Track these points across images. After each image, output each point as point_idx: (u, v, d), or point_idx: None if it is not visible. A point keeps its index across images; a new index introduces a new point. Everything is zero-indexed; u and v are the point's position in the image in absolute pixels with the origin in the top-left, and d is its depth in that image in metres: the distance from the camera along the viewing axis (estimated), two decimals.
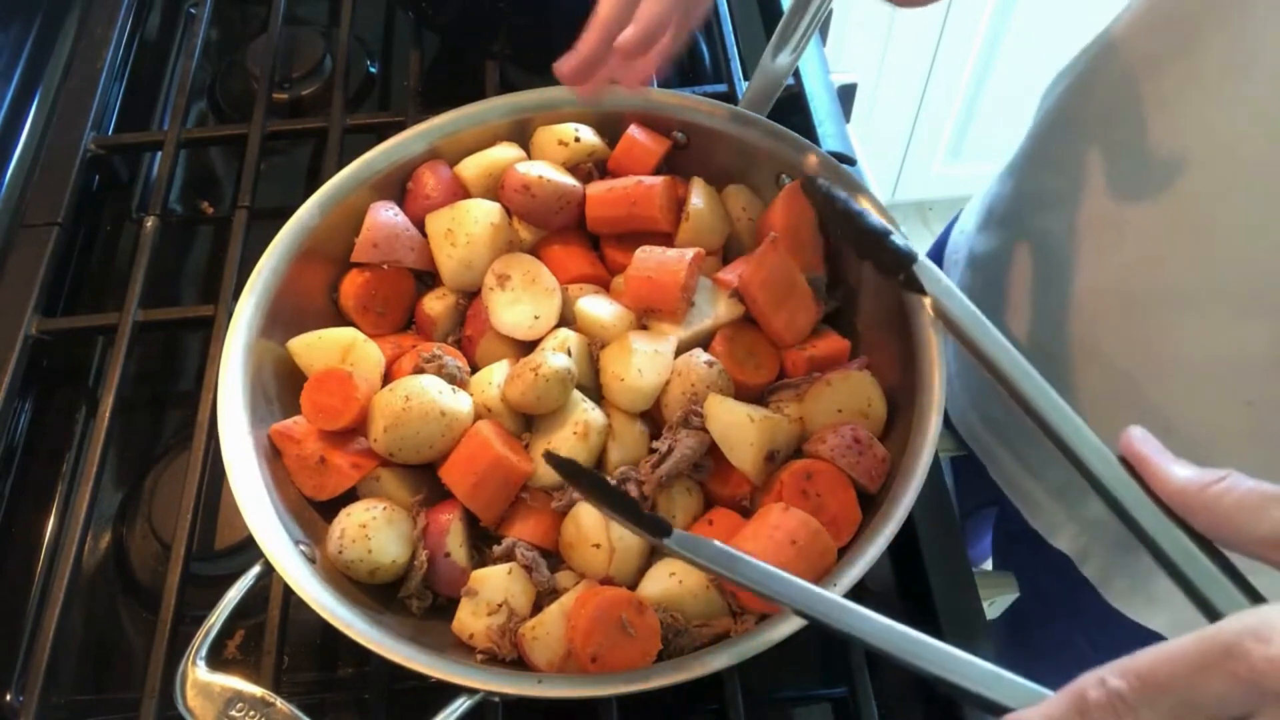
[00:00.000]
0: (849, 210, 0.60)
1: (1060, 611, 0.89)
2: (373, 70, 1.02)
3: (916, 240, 0.65)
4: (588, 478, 0.50)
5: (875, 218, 0.60)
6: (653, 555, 0.63)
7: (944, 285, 0.57)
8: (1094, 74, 0.68)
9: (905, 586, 0.71)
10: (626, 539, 0.61)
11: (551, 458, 0.51)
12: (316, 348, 0.67)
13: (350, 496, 0.64)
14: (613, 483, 0.55)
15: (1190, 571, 0.42)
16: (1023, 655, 1.05)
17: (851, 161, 0.85)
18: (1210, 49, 0.56)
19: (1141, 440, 0.44)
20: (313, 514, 0.63)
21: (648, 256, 0.68)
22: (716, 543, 0.48)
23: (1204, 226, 0.59)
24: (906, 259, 0.57)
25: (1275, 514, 0.37)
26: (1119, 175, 0.65)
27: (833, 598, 0.46)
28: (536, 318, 0.68)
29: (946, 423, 0.89)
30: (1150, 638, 0.41)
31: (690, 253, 0.67)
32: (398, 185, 0.74)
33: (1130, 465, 0.45)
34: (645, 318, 0.69)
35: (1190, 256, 0.61)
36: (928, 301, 0.57)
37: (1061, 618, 0.90)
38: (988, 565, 1.30)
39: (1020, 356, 0.53)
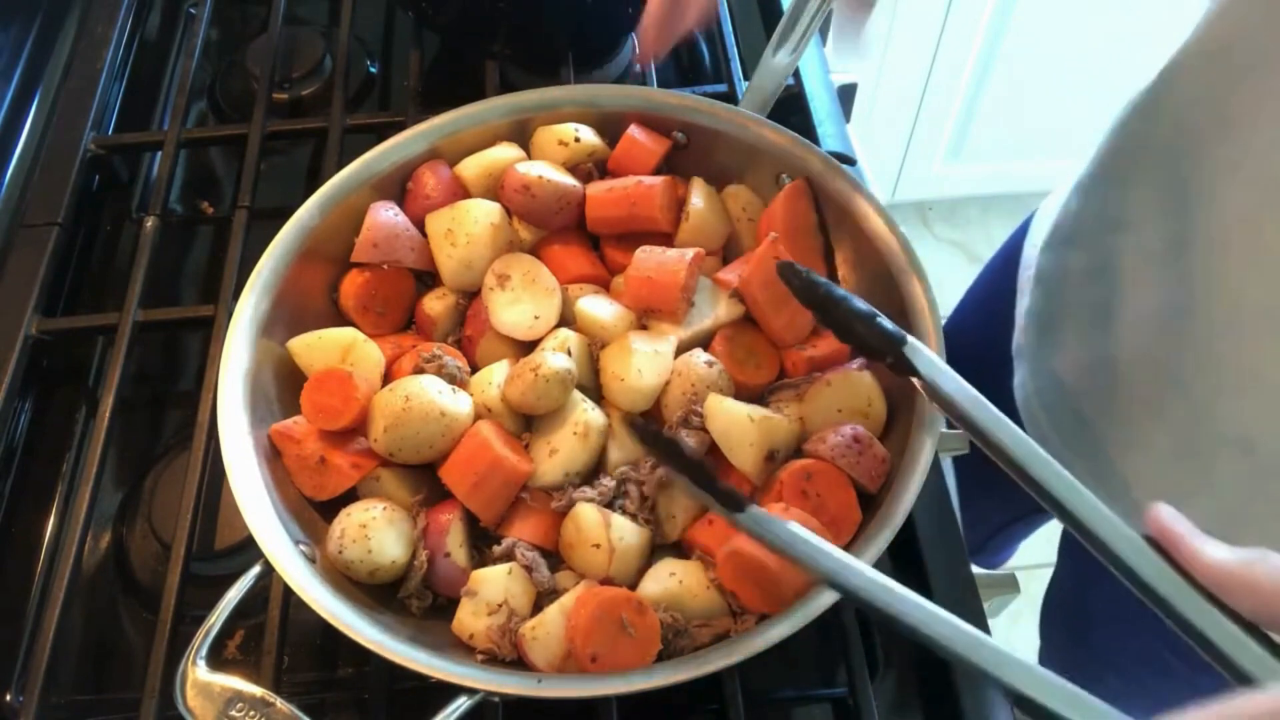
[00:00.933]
0: (831, 296, 0.57)
1: (1142, 625, 0.89)
2: (373, 70, 1.02)
3: (916, 240, 0.65)
4: (665, 444, 0.50)
5: (859, 301, 0.56)
6: (653, 555, 0.63)
7: (937, 366, 0.54)
8: (1162, 96, 0.68)
9: (905, 586, 0.70)
10: (626, 539, 0.61)
11: (633, 423, 0.52)
12: (316, 348, 0.67)
13: (350, 496, 0.64)
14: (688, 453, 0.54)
15: (1237, 655, 0.40)
16: (1093, 665, 1.04)
17: (851, 161, 0.85)
18: (1278, 69, 0.56)
19: (1172, 519, 0.42)
20: (313, 514, 0.63)
21: (648, 256, 0.68)
22: (791, 524, 0.48)
23: (1270, 246, 0.58)
24: (895, 342, 0.54)
25: None
26: (1188, 195, 0.64)
27: (905, 593, 0.46)
28: (536, 318, 0.68)
29: (948, 423, 0.89)
30: None
31: (690, 253, 0.67)
32: (398, 185, 0.74)
33: (1158, 545, 0.43)
34: (645, 318, 0.69)
35: (1262, 274, 0.60)
36: (919, 384, 0.54)
37: (1144, 630, 0.89)
38: (1008, 566, 1.29)
39: (1021, 432, 0.50)
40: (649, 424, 0.51)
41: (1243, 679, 0.41)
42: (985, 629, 0.68)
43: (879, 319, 0.55)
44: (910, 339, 0.55)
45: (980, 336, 0.93)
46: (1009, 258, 0.94)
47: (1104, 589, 0.93)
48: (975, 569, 0.71)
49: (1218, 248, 0.62)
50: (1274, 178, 0.57)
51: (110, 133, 0.93)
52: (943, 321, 0.91)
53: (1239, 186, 0.60)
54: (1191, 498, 0.70)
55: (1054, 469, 0.48)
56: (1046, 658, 1.08)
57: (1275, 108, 0.56)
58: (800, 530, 0.48)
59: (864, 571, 0.47)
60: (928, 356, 0.54)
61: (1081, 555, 0.97)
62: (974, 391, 0.53)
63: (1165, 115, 0.67)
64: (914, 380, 0.54)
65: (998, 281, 0.95)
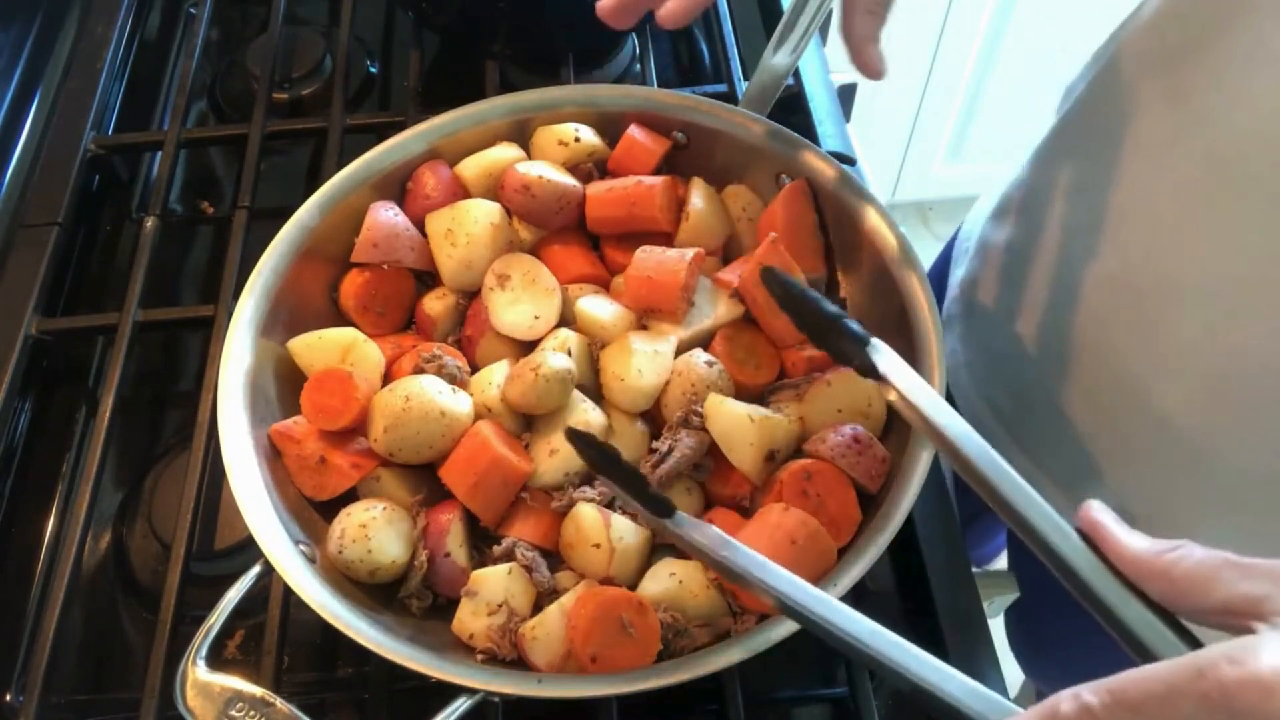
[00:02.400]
0: (803, 298, 0.56)
1: (1070, 607, 0.89)
2: (373, 70, 1.02)
3: (916, 240, 0.65)
4: (599, 449, 0.51)
5: (829, 304, 0.55)
6: (653, 555, 0.63)
7: (901, 369, 0.53)
8: (1114, 68, 0.68)
9: (905, 586, 0.71)
10: (626, 539, 0.61)
11: (570, 431, 0.51)
12: (316, 348, 0.67)
13: (350, 496, 0.64)
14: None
15: (1149, 639, 0.42)
16: (1032, 649, 1.05)
17: (851, 161, 0.85)
18: (1227, 44, 0.56)
19: (1099, 510, 0.44)
20: (313, 514, 0.63)
21: (648, 256, 0.68)
22: (715, 529, 0.49)
23: (1209, 220, 0.59)
24: (860, 342, 0.53)
25: (1226, 581, 0.38)
26: (1130, 167, 0.65)
27: (824, 597, 0.46)
28: (536, 318, 0.68)
29: None
30: None
31: (690, 253, 0.67)
32: (398, 185, 0.74)
33: (1086, 536, 0.44)
34: (645, 318, 0.69)
35: (1195, 249, 0.61)
36: (882, 388, 0.53)
37: (1072, 614, 0.90)
38: (999, 564, 1.30)
39: (979, 438, 0.49)
40: (584, 432, 0.52)
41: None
42: (985, 629, 0.68)
43: (844, 320, 0.54)
44: (874, 341, 0.53)
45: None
46: (953, 241, 0.95)
47: (1042, 581, 0.94)
48: (975, 569, 0.71)
49: (1158, 222, 0.62)
50: (1218, 152, 0.58)
51: (110, 133, 0.93)
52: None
53: (1183, 160, 0.60)
54: (1111, 474, 0.71)
55: (1009, 475, 0.48)
56: (1017, 658, 1.09)
57: (1223, 81, 0.57)
58: (722, 534, 0.49)
59: (782, 573, 0.48)
60: (892, 359, 0.53)
61: (1021, 545, 0.98)
62: (936, 395, 0.52)
63: (1114, 86, 0.68)
64: (879, 385, 0.53)
65: (941, 262, 0.97)
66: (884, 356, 0.53)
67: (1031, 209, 0.78)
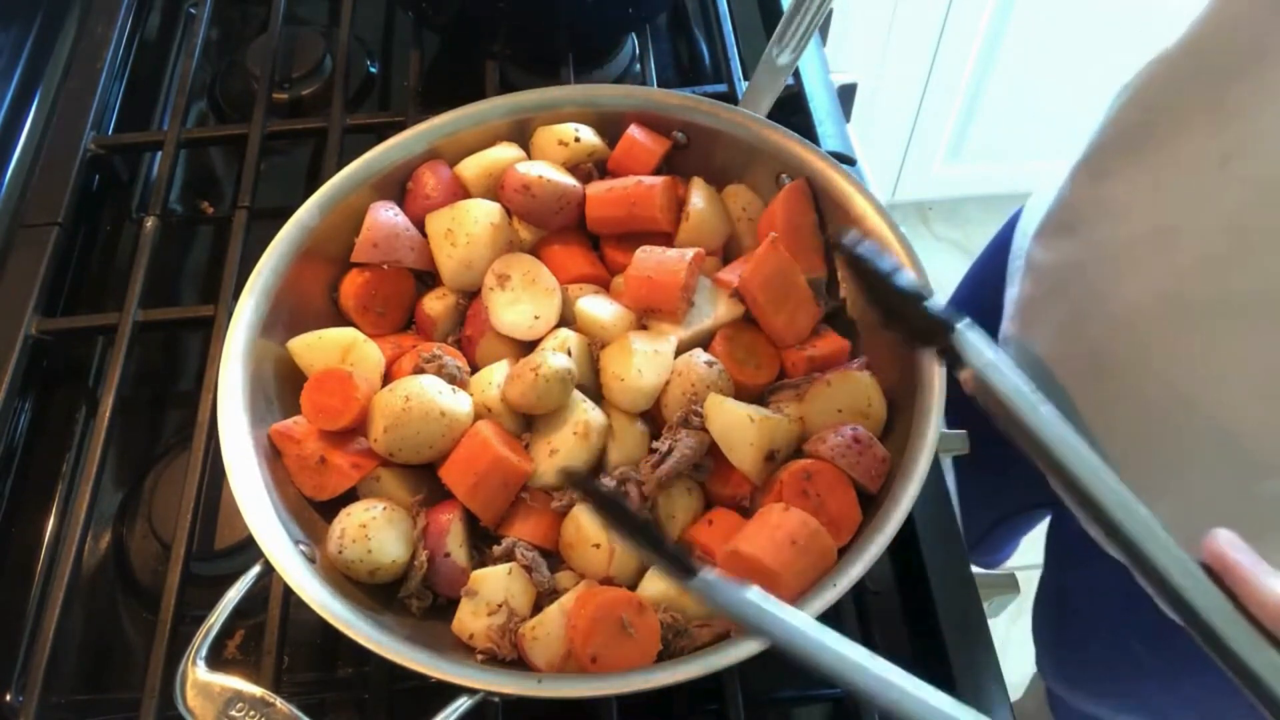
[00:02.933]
0: (876, 271, 0.49)
1: (1118, 620, 0.89)
2: (373, 70, 1.02)
3: (916, 240, 0.65)
4: (610, 503, 0.45)
5: (909, 277, 0.49)
6: None
7: (988, 359, 0.47)
8: (1156, 85, 0.67)
9: (905, 586, 0.71)
10: None
11: (569, 475, 0.48)
12: (316, 348, 0.67)
13: (350, 496, 0.64)
14: (629, 505, 0.50)
15: None
16: (1077, 664, 1.04)
17: (851, 161, 0.85)
18: (1272, 64, 0.55)
19: (1232, 546, 0.40)
20: (313, 514, 0.63)
21: (648, 256, 0.68)
22: (749, 592, 0.43)
23: (1260, 236, 0.58)
24: (945, 327, 0.47)
25: None
26: (1180, 185, 0.64)
27: (884, 670, 0.42)
28: (536, 318, 0.68)
29: (948, 422, 0.89)
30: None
31: (690, 253, 0.67)
32: (398, 185, 0.74)
33: (1213, 573, 0.40)
34: (645, 318, 0.69)
35: (1247, 265, 0.60)
36: (967, 375, 0.47)
37: (1119, 625, 0.89)
38: (1007, 566, 1.29)
39: (1075, 437, 0.45)
40: (590, 478, 0.46)
41: None
42: (985, 629, 0.68)
43: (927, 301, 0.48)
44: (962, 326, 0.48)
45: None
46: (999, 249, 0.94)
47: (1081, 588, 0.93)
48: (975, 569, 0.71)
49: (1208, 239, 0.62)
50: (1266, 173, 0.57)
51: (110, 133, 0.93)
52: None
53: (1231, 180, 0.59)
54: (1166, 490, 0.70)
55: (1120, 494, 0.44)
56: (1040, 658, 1.08)
57: (1269, 103, 0.56)
58: (757, 596, 0.43)
59: (825, 639, 0.42)
60: (979, 346, 0.47)
61: (1062, 554, 0.98)
62: (1026, 389, 0.47)
63: (1159, 104, 0.67)
64: (960, 375, 0.48)
65: (987, 272, 0.96)
66: (971, 345, 0.47)
67: (1076, 229, 0.76)
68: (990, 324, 0.90)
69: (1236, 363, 0.63)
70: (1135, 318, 0.69)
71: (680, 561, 0.43)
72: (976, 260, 1.03)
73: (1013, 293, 0.87)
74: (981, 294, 0.94)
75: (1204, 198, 0.62)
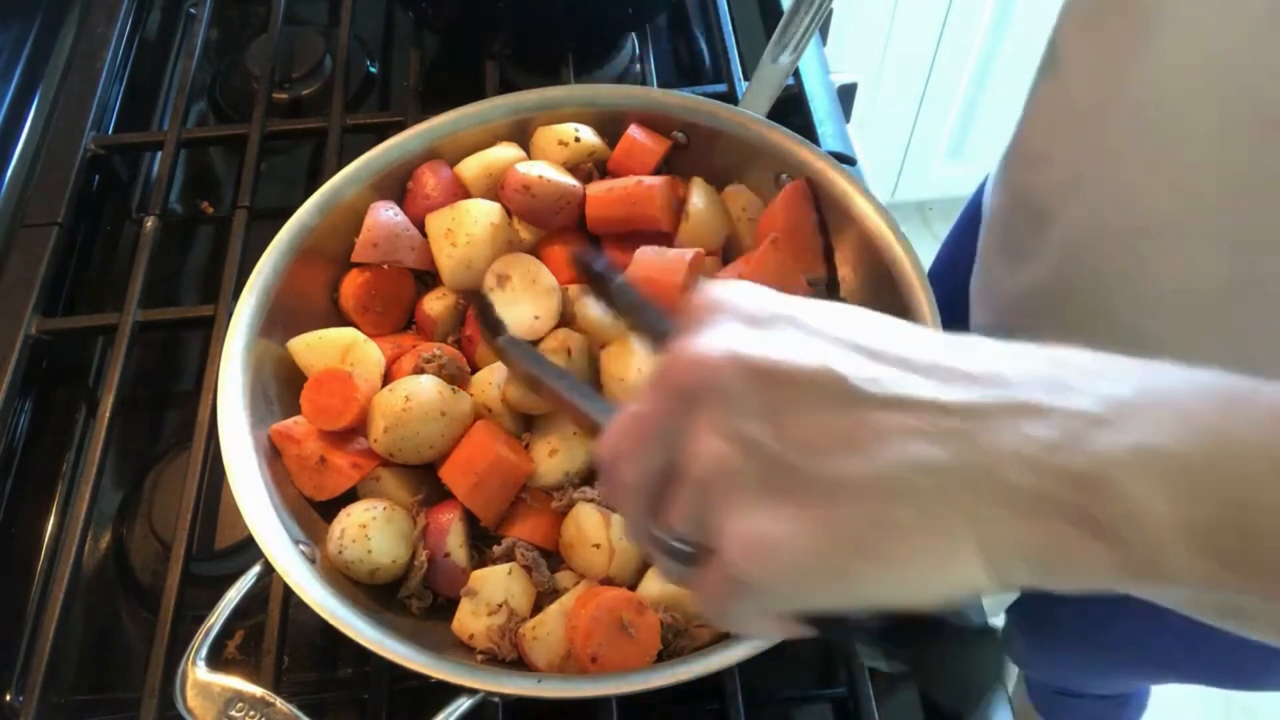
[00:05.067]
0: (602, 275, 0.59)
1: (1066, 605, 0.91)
2: (373, 70, 1.02)
3: (916, 240, 0.65)
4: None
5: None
6: None
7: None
8: (1058, 30, 0.70)
9: None
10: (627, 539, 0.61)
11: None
12: (316, 348, 0.67)
13: (350, 496, 0.64)
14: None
15: None
16: (1033, 645, 1.06)
17: (852, 161, 0.85)
18: None
19: None
20: (313, 514, 0.63)
21: (647, 256, 0.68)
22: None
23: (1163, 163, 0.61)
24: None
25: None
26: (1090, 122, 0.66)
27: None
28: (537, 317, 0.68)
29: None
30: None
31: (690, 253, 0.67)
32: (398, 185, 0.74)
33: None
34: None
35: (1155, 190, 0.62)
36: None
37: (1069, 612, 0.91)
38: None
39: None
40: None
41: None
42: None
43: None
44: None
45: (947, 288, 0.97)
46: (971, 215, 0.97)
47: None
48: None
49: (1122, 166, 0.64)
50: (1155, 98, 0.59)
51: (110, 133, 0.93)
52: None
53: (1130, 106, 0.61)
54: None
55: None
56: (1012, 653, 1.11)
57: (1159, 34, 0.57)
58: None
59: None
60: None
61: None
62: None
63: (1060, 47, 0.69)
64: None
65: (960, 235, 0.99)
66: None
67: (1012, 178, 0.80)
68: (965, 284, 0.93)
69: (1168, 286, 0.64)
70: (1068, 256, 0.71)
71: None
72: (951, 228, 1.06)
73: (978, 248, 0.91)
74: (957, 256, 0.97)
75: (1118, 124, 0.64)
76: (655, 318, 0.55)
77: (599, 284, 0.58)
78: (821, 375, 0.32)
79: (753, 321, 0.34)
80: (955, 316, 0.90)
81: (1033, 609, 1.01)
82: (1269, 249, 0.58)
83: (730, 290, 0.36)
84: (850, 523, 0.31)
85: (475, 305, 0.66)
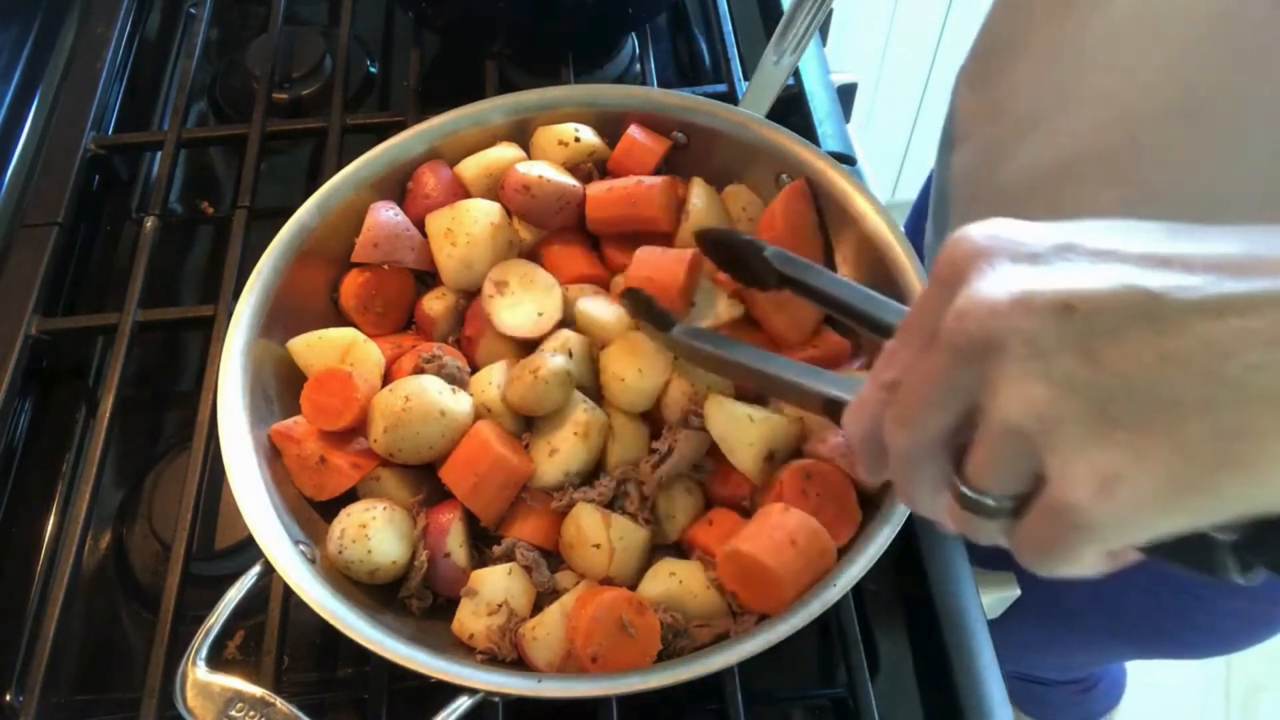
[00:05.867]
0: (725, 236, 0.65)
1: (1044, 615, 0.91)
2: (373, 70, 1.02)
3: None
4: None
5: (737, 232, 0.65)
6: (653, 555, 0.63)
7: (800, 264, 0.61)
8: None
9: (905, 586, 0.71)
10: (626, 539, 0.61)
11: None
12: (316, 348, 0.67)
13: (350, 496, 0.64)
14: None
15: None
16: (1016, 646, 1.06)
17: (851, 161, 0.85)
18: None
19: None
20: (313, 514, 0.63)
21: (647, 256, 0.68)
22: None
23: (1073, 109, 0.65)
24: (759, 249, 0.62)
25: None
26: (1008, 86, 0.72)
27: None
28: (540, 314, 0.68)
29: None
30: None
31: (690, 252, 0.67)
32: (398, 185, 0.74)
33: None
34: None
35: (1064, 132, 0.66)
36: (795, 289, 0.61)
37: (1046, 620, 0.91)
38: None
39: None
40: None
41: None
42: (986, 628, 0.68)
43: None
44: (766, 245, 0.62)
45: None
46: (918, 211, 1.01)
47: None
48: (975, 568, 0.71)
49: (1034, 116, 0.68)
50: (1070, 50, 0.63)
51: (110, 133, 0.93)
52: None
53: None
54: None
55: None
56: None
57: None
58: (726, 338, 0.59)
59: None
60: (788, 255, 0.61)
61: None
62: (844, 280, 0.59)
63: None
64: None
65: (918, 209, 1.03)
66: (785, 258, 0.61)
67: (967, 135, 0.84)
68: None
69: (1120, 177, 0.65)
70: (1021, 193, 0.72)
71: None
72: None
73: (930, 213, 0.94)
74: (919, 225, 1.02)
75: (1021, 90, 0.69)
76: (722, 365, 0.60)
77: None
78: (1128, 296, 0.31)
79: (1031, 258, 0.33)
80: None
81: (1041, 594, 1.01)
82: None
83: (992, 229, 0.34)
84: (1205, 440, 0.30)
85: (634, 304, 0.65)
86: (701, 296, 0.69)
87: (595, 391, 0.67)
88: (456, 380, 0.66)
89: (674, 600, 0.59)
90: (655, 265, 0.67)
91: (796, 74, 0.91)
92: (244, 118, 0.90)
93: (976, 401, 0.34)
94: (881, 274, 0.67)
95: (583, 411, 0.65)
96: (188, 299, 0.86)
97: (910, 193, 2.31)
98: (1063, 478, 0.32)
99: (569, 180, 0.72)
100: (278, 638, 0.63)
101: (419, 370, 0.66)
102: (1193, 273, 0.31)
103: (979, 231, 0.34)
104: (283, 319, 0.67)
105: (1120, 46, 0.61)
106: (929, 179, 0.99)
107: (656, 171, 0.74)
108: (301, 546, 0.59)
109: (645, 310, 0.64)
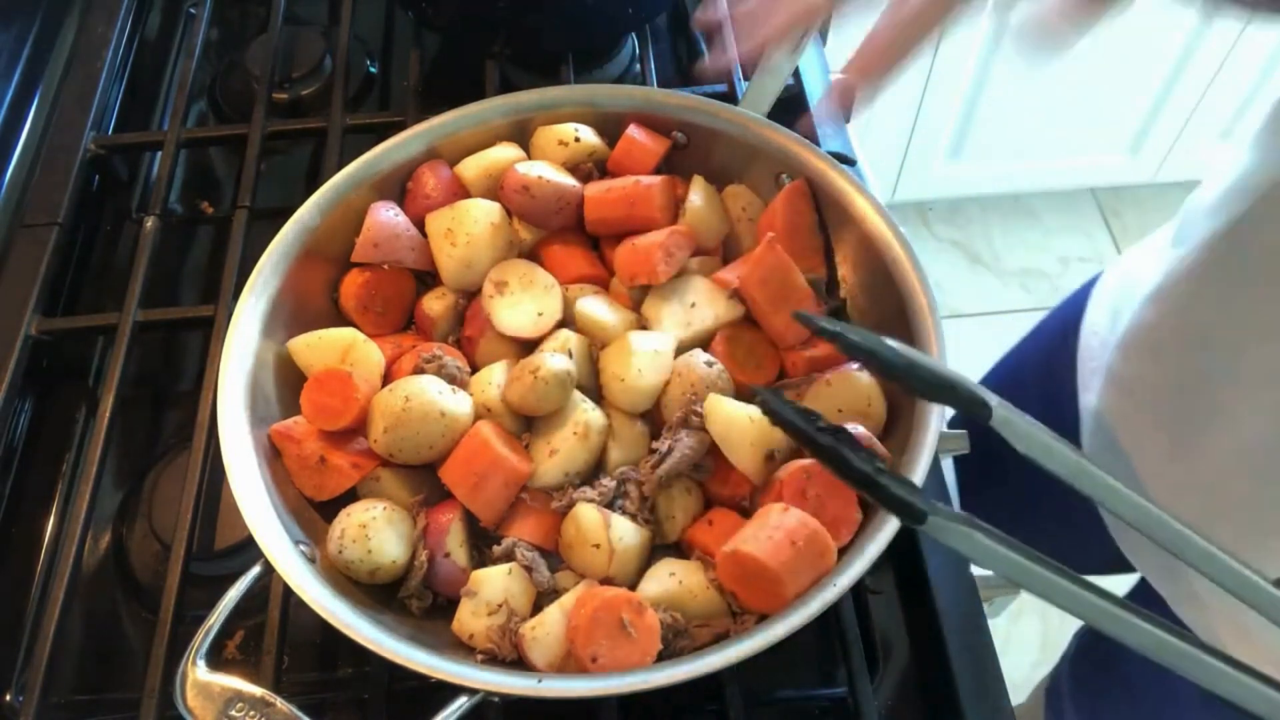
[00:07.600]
0: (911, 362, 0.49)
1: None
2: (373, 70, 1.02)
3: (916, 240, 0.65)
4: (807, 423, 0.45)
5: (941, 368, 0.49)
6: (653, 555, 0.63)
7: (1033, 437, 0.48)
8: (1264, 214, 0.62)
9: (905, 586, 0.71)
10: (626, 539, 0.61)
11: (763, 399, 0.47)
12: (316, 348, 0.67)
13: (350, 496, 0.64)
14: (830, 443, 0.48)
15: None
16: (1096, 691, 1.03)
17: (851, 161, 0.85)
18: None
19: None
20: (313, 514, 0.63)
21: (627, 244, 0.70)
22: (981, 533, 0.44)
23: None
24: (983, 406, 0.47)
25: None
26: None
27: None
28: (540, 314, 0.68)
29: (948, 422, 0.89)
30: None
31: (665, 231, 0.69)
32: (398, 185, 0.74)
33: None
34: (631, 284, 0.70)
35: None
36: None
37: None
38: None
39: (1142, 500, 0.47)
40: (782, 400, 0.46)
41: None
42: (985, 629, 0.68)
43: (964, 384, 0.49)
44: (997, 406, 0.48)
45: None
46: (1065, 329, 0.89)
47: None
48: (975, 569, 0.71)
49: None
50: None
51: (110, 133, 0.93)
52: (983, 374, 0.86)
53: None
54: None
55: (1177, 530, 0.46)
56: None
57: None
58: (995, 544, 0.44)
59: (1065, 583, 0.44)
60: (1022, 427, 0.48)
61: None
62: (1076, 456, 0.48)
63: (1270, 233, 0.61)
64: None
65: (1053, 352, 0.90)
66: (1012, 427, 0.48)
67: (1170, 353, 0.71)
68: (1055, 412, 0.86)
69: None
70: (1241, 460, 0.65)
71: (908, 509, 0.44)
72: (1037, 333, 0.97)
73: (1089, 401, 0.82)
74: (1045, 377, 0.90)
75: None
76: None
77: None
78: None
79: None
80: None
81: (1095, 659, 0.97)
82: None
83: None
84: None
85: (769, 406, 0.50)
86: (701, 296, 0.69)
87: (595, 391, 0.67)
88: (456, 380, 0.66)
89: (674, 600, 0.59)
90: (635, 249, 0.69)
91: (796, 74, 0.91)
92: (244, 118, 0.90)
93: None
94: (881, 274, 0.67)
95: (582, 412, 0.65)
96: (188, 299, 0.86)
97: (910, 193, 2.32)
98: None
99: (568, 180, 0.72)
100: (277, 638, 0.63)
101: (419, 370, 0.66)
102: None
103: None
104: (283, 319, 0.67)
105: None
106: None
107: (656, 171, 0.74)
108: (301, 546, 0.59)
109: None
